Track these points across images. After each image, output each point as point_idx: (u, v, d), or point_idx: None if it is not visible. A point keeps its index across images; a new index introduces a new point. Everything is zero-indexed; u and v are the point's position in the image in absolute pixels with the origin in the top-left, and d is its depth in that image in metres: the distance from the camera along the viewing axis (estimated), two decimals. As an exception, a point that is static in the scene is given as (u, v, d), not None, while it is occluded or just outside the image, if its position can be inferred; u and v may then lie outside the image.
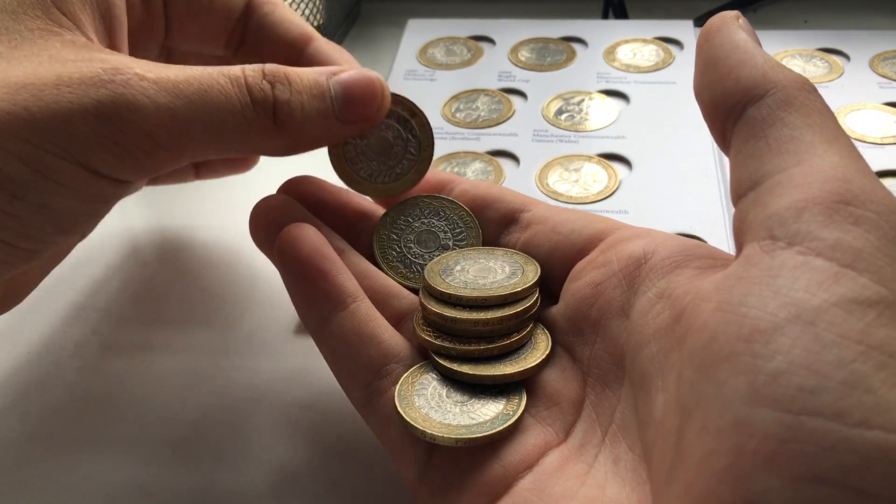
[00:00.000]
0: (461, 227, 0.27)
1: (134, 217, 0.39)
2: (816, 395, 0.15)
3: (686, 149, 0.40)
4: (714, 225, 0.35)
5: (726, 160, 0.39)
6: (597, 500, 0.19)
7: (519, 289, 0.23)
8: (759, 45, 0.21)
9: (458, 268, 0.25)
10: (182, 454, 0.27)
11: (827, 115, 0.19)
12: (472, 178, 0.39)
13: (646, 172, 0.38)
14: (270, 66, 0.24)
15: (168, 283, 0.35)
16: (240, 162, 0.34)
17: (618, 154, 0.40)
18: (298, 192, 0.28)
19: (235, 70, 0.24)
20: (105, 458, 0.27)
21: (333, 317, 0.23)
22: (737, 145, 0.20)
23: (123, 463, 0.27)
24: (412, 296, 0.26)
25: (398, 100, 0.27)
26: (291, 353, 0.31)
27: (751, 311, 0.16)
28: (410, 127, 0.28)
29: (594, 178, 0.38)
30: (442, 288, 0.23)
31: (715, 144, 0.40)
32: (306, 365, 0.30)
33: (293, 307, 0.31)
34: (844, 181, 0.17)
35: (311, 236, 0.24)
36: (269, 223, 0.26)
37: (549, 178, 0.38)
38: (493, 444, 0.21)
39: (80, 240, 0.25)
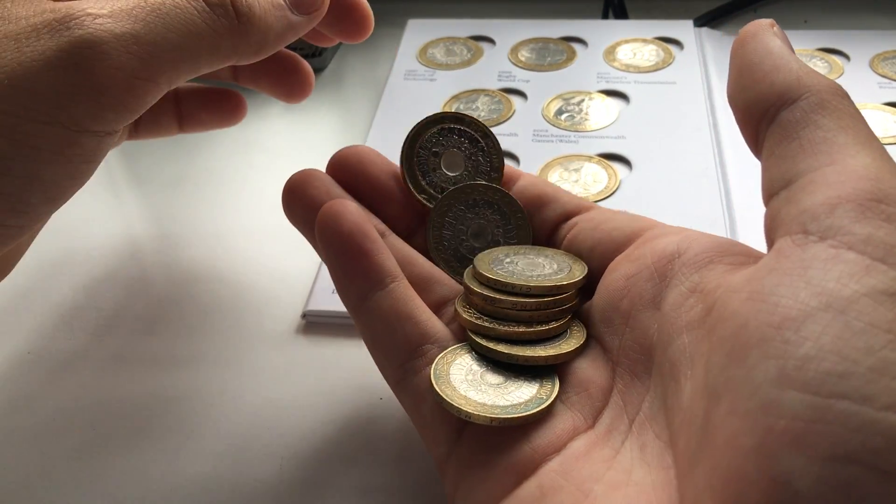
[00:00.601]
0: (512, 226, 0.27)
1: (134, 217, 0.39)
2: (845, 380, 0.15)
3: (686, 149, 0.40)
4: (714, 225, 0.35)
5: (727, 160, 0.39)
6: (622, 483, 0.20)
7: (564, 283, 0.24)
8: (793, 51, 0.21)
9: (508, 260, 0.25)
10: (183, 452, 0.27)
11: (859, 119, 0.19)
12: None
13: (646, 172, 0.38)
14: None
15: (169, 282, 0.35)
16: (227, 112, 0.33)
17: (618, 154, 0.40)
18: (347, 167, 0.28)
19: None
20: (105, 457, 0.27)
21: (372, 295, 0.24)
22: (769, 147, 0.20)
23: (125, 463, 0.27)
24: (454, 283, 0.26)
25: (471, 121, 0.28)
26: (294, 352, 0.31)
27: (782, 299, 0.17)
28: (481, 147, 0.28)
29: (594, 178, 0.38)
30: (489, 274, 0.24)
31: (715, 144, 0.40)
32: (309, 363, 0.30)
33: (296, 304, 0.31)
34: (877, 181, 0.18)
35: (353, 213, 0.24)
36: (306, 200, 0.26)
37: (549, 178, 0.38)
38: (524, 426, 0.22)
39: (63, 203, 0.24)
